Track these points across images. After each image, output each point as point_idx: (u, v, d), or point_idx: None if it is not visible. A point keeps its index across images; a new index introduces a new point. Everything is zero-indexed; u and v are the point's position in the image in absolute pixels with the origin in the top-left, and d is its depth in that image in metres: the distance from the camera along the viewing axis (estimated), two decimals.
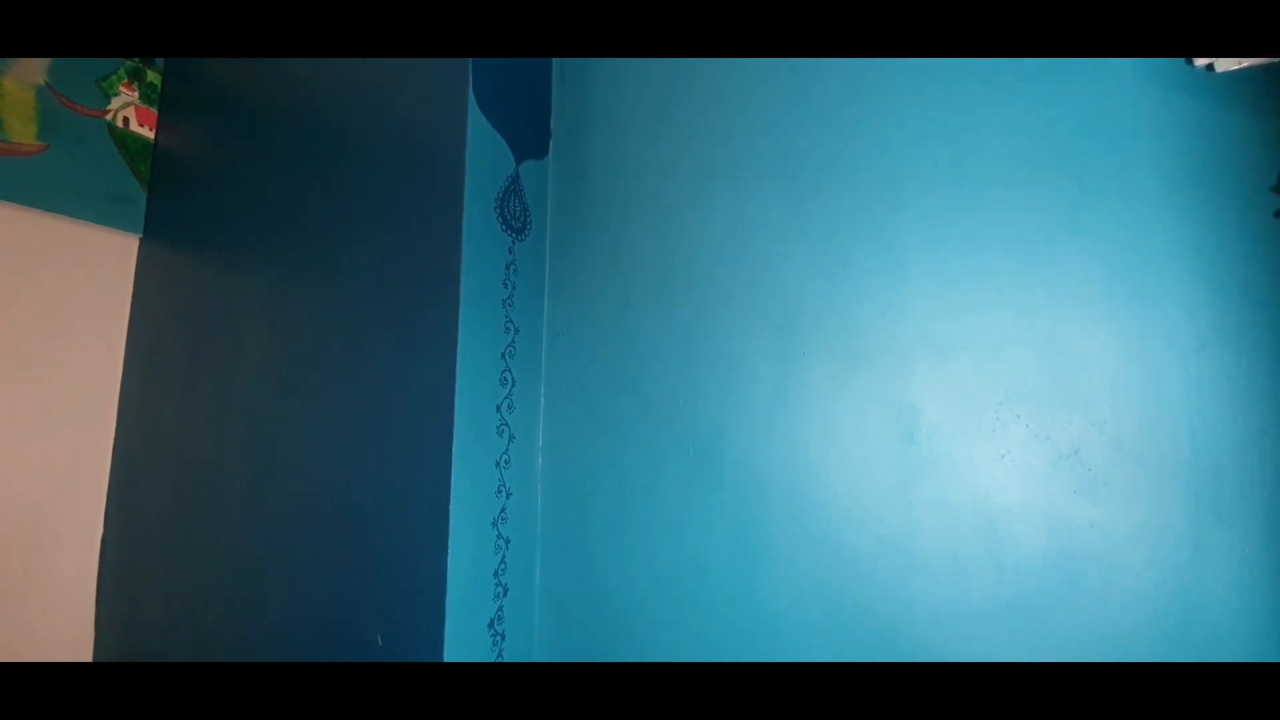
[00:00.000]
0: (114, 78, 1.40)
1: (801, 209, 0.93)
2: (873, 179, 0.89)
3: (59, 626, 1.25)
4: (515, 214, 1.06)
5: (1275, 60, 0.68)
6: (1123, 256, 0.75)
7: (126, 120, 1.41)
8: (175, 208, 1.39)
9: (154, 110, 1.46)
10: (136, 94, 1.43)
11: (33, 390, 1.24)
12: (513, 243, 1.05)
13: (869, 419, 0.85)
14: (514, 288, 1.04)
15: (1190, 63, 0.72)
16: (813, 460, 0.88)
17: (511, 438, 1.01)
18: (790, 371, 0.91)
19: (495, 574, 0.96)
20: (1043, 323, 0.78)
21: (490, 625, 0.94)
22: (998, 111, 0.83)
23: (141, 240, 1.43)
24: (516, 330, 1.04)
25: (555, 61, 1.20)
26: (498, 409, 0.99)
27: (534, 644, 1.02)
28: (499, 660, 0.94)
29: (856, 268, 0.89)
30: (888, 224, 0.87)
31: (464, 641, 0.88)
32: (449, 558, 0.87)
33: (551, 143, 1.17)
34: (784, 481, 0.89)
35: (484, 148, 1.00)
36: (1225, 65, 0.67)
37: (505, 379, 1.01)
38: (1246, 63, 0.69)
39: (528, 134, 1.11)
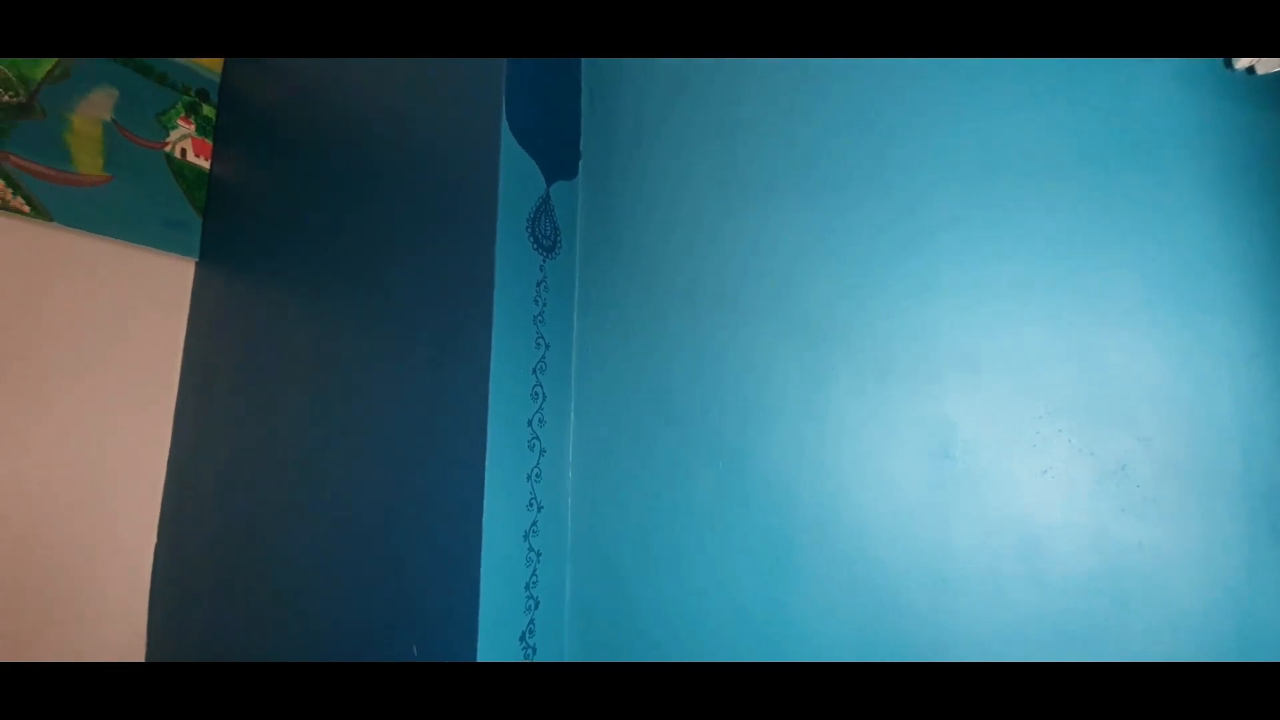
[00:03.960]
0: (172, 112, 1.49)
1: (829, 222, 0.93)
2: (902, 189, 0.89)
3: (113, 630, 1.31)
4: (546, 233, 1.09)
5: None
6: (1164, 265, 0.73)
7: (184, 151, 1.50)
8: (228, 233, 1.47)
9: (209, 142, 1.55)
10: (194, 127, 1.52)
11: (95, 405, 1.31)
12: (543, 261, 1.07)
13: (902, 434, 0.84)
14: (545, 305, 1.06)
15: (1230, 66, 0.70)
16: (844, 476, 0.87)
17: (543, 452, 1.03)
18: (820, 386, 0.90)
19: (526, 587, 0.97)
20: (1082, 335, 0.76)
21: (522, 638, 0.94)
22: (1030, 118, 0.82)
23: (197, 264, 1.50)
24: (547, 346, 1.06)
25: (584, 85, 1.23)
26: (529, 423, 1.01)
27: (564, 657, 1.02)
28: None
29: (886, 280, 0.88)
30: (917, 235, 0.87)
31: (496, 653, 0.89)
32: (482, 570, 0.88)
33: (581, 164, 1.19)
34: (814, 497, 0.88)
35: (516, 170, 1.03)
36: (1267, 67, 0.66)
37: (536, 393, 1.03)
38: None
39: (558, 156, 1.14)
